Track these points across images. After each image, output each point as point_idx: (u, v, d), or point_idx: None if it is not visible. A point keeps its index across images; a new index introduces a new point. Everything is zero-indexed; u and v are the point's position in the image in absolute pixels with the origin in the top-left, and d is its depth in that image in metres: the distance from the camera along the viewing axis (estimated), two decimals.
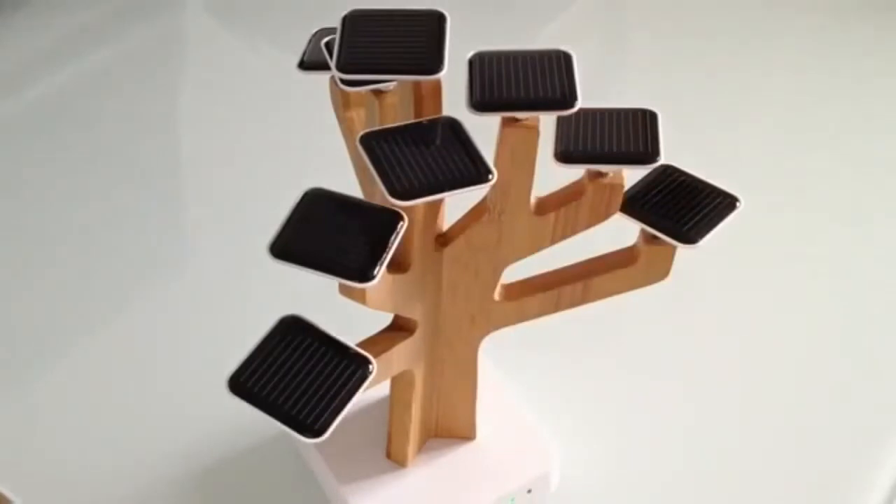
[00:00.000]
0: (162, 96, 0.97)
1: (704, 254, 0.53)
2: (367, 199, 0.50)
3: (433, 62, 0.46)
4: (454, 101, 0.48)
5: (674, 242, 0.53)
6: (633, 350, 0.74)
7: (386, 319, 0.55)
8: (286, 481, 0.66)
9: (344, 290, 0.47)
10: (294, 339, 0.45)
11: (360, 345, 0.48)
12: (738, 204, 0.52)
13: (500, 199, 0.50)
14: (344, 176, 0.56)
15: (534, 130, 0.47)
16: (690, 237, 0.53)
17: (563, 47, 0.49)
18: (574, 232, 0.53)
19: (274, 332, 0.46)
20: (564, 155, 0.50)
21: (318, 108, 0.60)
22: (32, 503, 0.63)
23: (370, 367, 0.45)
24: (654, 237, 0.54)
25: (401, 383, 0.59)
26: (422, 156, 0.46)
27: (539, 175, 0.50)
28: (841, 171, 0.89)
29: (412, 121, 0.48)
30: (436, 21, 0.47)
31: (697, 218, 0.53)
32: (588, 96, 0.47)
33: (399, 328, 0.55)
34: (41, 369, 0.73)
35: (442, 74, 0.46)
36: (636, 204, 0.53)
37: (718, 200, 0.53)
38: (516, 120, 0.47)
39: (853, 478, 0.68)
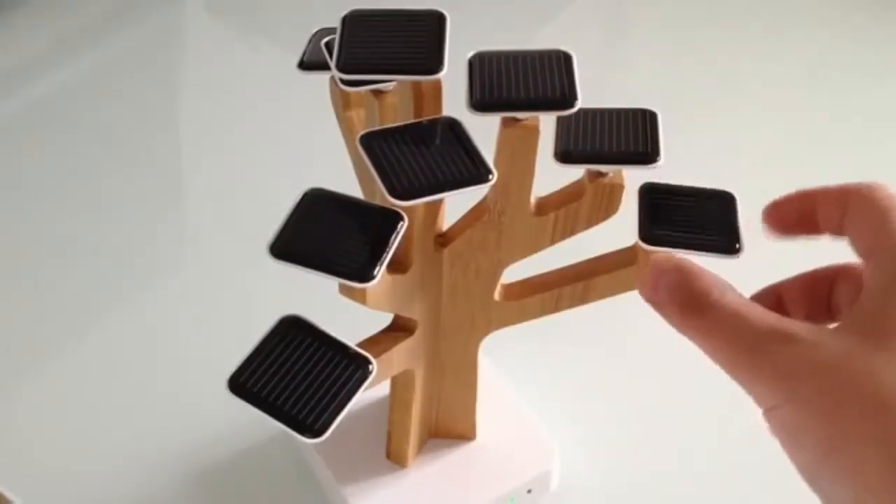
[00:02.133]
0: (162, 96, 0.97)
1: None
2: (367, 199, 0.50)
3: (433, 62, 0.45)
4: (454, 101, 0.48)
5: None
6: (634, 350, 0.74)
7: (386, 319, 0.55)
8: (286, 481, 0.66)
9: (344, 290, 0.47)
10: (294, 339, 0.45)
11: (360, 345, 0.48)
12: (733, 198, 0.52)
13: (500, 199, 0.50)
14: (344, 176, 0.56)
15: (534, 130, 0.47)
16: None
17: (563, 47, 0.49)
18: (574, 232, 0.53)
19: (274, 332, 0.46)
20: (564, 155, 0.50)
21: (318, 108, 0.60)
22: (32, 503, 0.63)
23: (370, 367, 0.45)
24: None
25: (401, 383, 0.59)
26: (422, 156, 0.46)
27: (539, 175, 0.50)
28: (843, 170, 0.89)
29: (412, 121, 0.48)
30: (436, 21, 0.47)
31: None
32: (588, 96, 0.47)
33: (399, 328, 0.55)
34: (41, 369, 0.73)
35: (442, 74, 0.45)
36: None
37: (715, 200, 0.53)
38: (516, 120, 0.47)
39: None
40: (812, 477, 0.36)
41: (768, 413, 0.37)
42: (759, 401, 0.37)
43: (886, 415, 0.33)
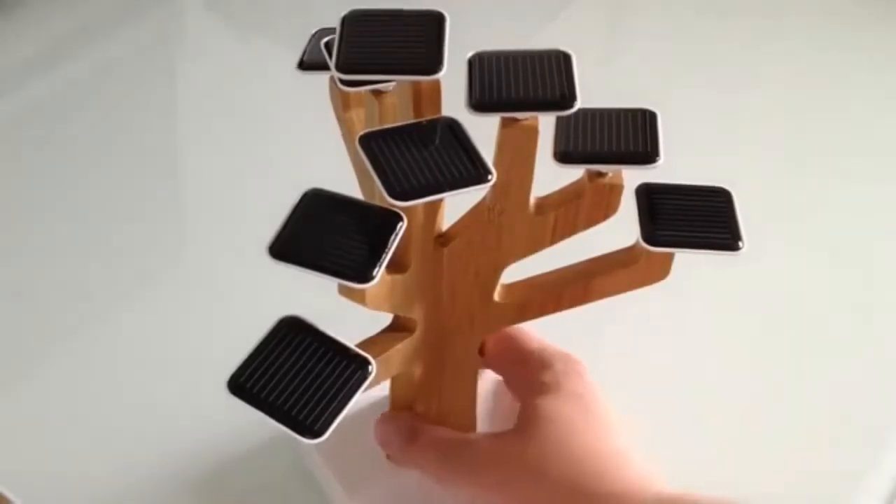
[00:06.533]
0: (161, 96, 0.97)
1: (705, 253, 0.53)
2: (367, 199, 0.50)
3: (433, 62, 0.45)
4: (454, 101, 0.48)
5: None
6: (633, 350, 0.74)
7: (386, 319, 0.55)
8: (286, 481, 0.66)
9: (343, 291, 0.47)
10: (294, 339, 0.45)
11: (360, 345, 0.48)
12: (730, 194, 0.53)
13: (499, 199, 0.50)
14: (344, 176, 0.56)
15: (534, 130, 0.47)
16: None
17: (563, 47, 0.49)
18: (574, 232, 0.53)
19: (274, 333, 0.46)
20: (564, 155, 0.50)
21: (317, 108, 0.60)
22: (32, 503, 0.63)
23: (370, 367, 0.45)
24: None
25: (401, 383, 0.59)
26: (421, 156, 0.46)
27: (539, 175, 0.50)
28: (842, 169, 0.89)
29: (412, 121, 0.48)
30: (436, 21, 0.47)
31: None
32: (588, 96, 0.47)
33: (399, 328, 0.55)
34: (40, 369, 0.73)
35: (442, 74, 0.45)
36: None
37: (712, 196, 0.53)
38: (516, 120, 0.47)
39: (853, 478, 0.68)
40: None
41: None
42: (462, 494, 0.56)
43: (534, 474, 0.53)
